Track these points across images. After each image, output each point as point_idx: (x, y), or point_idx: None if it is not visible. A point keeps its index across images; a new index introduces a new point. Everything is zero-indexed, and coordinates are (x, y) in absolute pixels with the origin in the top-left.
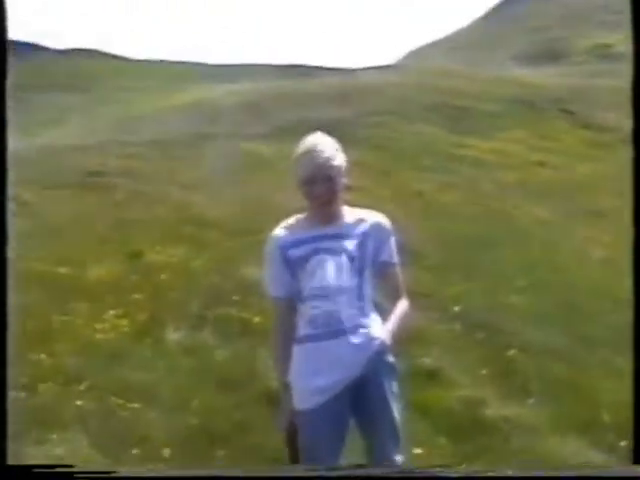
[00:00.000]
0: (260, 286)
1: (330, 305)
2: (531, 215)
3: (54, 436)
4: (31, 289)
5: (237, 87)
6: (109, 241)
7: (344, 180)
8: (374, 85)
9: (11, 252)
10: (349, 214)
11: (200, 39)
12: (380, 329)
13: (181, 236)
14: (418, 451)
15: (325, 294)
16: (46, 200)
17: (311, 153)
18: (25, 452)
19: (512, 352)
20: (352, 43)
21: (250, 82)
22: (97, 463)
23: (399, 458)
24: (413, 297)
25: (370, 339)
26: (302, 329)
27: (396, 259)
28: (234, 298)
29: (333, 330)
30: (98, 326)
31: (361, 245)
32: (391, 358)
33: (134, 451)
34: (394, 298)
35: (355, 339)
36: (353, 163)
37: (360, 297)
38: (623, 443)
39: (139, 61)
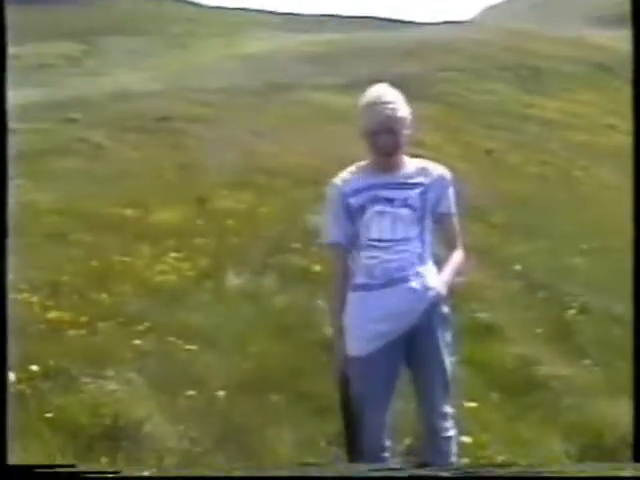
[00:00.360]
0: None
1: (387, 255)
2: (599, 178)
3: (111, 373)
4: (97, 230)
5: (310, 38)
6: (176, 185)
7: (408, 132)
8: (449, 41)
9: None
10: (410, 164)
11: None
12: (436, 279)
13: (248, 183)
14: (472, 405)
15: (383, 244)
16: (116, 143)
17: (376, 104)
18: (80, 385)
19: (571, 313)
20: None
21: (324, 33)
22: (152, 400)
23: (448, 409)
24: (476, 253)
25: (426, 289)
26: (358, 277)
27: (454, 210)
28: (296, 246)
29: (389, 280)
30: (159, 268)
31: (422, 195)
32: (445, 309)
33: (189, 392)
34: (450, 249)
35: (411, 289)
36: (424, 119)
37: (419, 246)
38: None
39: (211, 7)
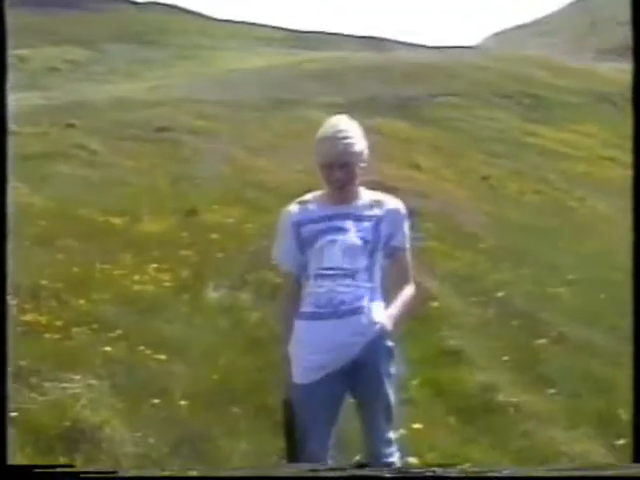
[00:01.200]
0: None
1: (335, 286)
2: (594, 210)
3: (77, 377)
4: (84, 236)
5: (316, 55)
6: (167, 196)
7: (363, 164)
8: (453, 66)
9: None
10: (366, 196)
11: (282, 3)
12: (382, 314)
13: (240, 198)
14: (426, 427)
15: (331, 273)
16: (112, 151)
17: (332, 139)
18: (46, 387)
19: (541, 342)
20: (435, 20)
21: (326, 51)
22: (114, 406)
23: (391, 435)
24: (459, 280)
25: (371, 323)
26: (305, 306)
27: (407, 245)
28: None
29: (335, 311)
30: (137, 278)
31: (374, 227)
32: (390, 342)
33: (154, 401)
34: (401, 283)
35: (355, 322)
36: (422, 142)
37: (368, 279)
38: (622, 441)
39: (218, 20)
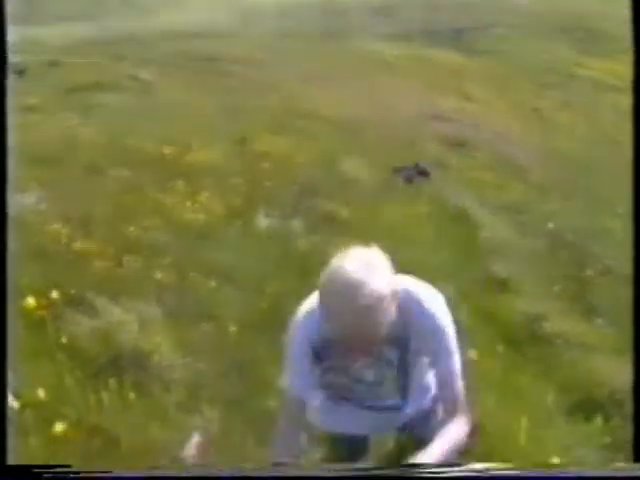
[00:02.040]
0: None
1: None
2: None
3: (129, 304)
4: (134, 166)
5: None
6: (217, 126)
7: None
8: None
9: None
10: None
11: None
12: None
13: (290, 127)
14: (472, 355)
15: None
16: (162, 81)
17: (352, 310)
18: (97, 313)
19: (589, 273)
20: None
21: None
22: (164, 332)
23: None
24: (508, 211)
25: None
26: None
27: (450, 359)
28: (327, 191)
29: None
30: (189, 206)
31: (403, 368)
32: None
33: (203, 325)
34: (446, 413)
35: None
36: (475, 74)
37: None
38: None
39: None
